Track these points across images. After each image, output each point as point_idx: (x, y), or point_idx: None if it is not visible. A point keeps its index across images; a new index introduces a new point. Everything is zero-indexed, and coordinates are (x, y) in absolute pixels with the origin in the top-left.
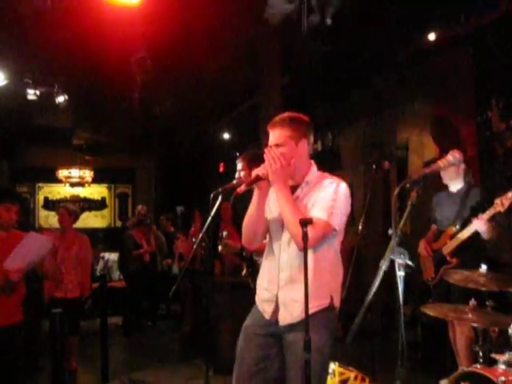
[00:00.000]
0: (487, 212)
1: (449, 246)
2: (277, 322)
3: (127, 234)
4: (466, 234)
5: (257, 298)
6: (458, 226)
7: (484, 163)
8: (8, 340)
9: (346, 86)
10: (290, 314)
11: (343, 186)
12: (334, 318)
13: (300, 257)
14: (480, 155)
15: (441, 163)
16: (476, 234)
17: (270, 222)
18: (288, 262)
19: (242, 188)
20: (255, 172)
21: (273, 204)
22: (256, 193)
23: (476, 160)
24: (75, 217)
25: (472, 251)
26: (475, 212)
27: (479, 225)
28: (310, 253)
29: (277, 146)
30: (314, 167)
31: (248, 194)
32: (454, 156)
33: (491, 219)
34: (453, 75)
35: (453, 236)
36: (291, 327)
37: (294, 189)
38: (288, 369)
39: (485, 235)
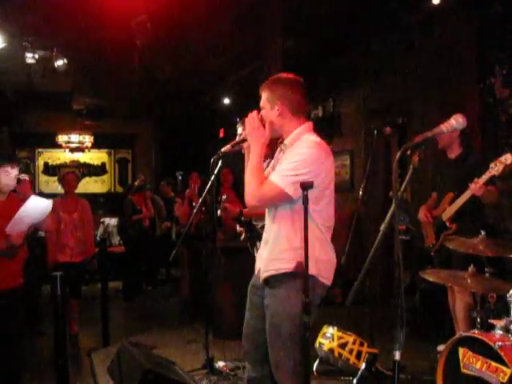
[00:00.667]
0: (483, 176)
1: (448, 212)
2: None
3: (126, 200)
4: (463, 199)
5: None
6: (456, 192)
7: (486, 130)
8: (10, 303)
9: (348, 52)
10: (262, 272)
11: (313, 149)
12: (302, 284)
13: (271, 219)
14: (482, 122)
15: (444, 127)
16: (475, 200)
17: None
18: (267, 222)
19: (227, 148)
20: (242, 134)
21: (274, 163)
22: (245, 156)
23: (478, 127)
24: (77, 182)
25: (471, 217)
26: (473, 177)
27: (475, 189)
28: (277, 216)
29: (261, 108)
30: (299, 129)
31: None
32: (457, 120)
33: (488, 183)
34: (456, 40)
35: (452, 202)
36: (267, 292)
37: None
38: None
39: (483, 200)
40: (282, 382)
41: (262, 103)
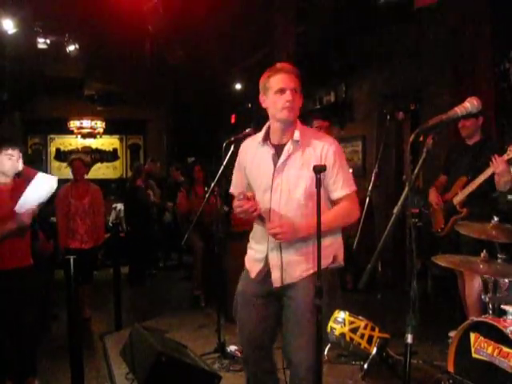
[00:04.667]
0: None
1: (460, 196)
2: (264, 281)
3: (136, 187)
4: (478, 180)
5: (246, 258)
6: (469, 177)
7: (500, 115)
8: (21, 282)
9: (360, 36)
10: (289, 275)
11: (337, 146)
12: (335, 273)
13: (295, 218)
14: (496, 107)
15: (458, 110)
16: (487, 185)
17: (256, 185)
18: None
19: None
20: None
21: (255, 168)
22: None
23: (492, 112)
24: (88, 168)
25: (482, 202)
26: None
27: (496, 164)
28: (311, 216)
29: (295, 91)
30: (300, 124)
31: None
32: (471, 103)
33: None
34: (470, 25)
35: (464, 186)
36: (289, 286)
37: (281, 148)
38: (287, 321)
39: (499, 178)
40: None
41: (298, 87)
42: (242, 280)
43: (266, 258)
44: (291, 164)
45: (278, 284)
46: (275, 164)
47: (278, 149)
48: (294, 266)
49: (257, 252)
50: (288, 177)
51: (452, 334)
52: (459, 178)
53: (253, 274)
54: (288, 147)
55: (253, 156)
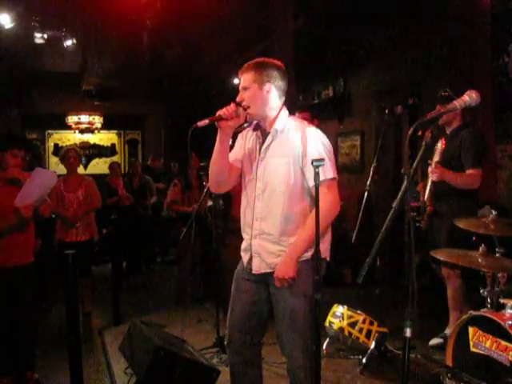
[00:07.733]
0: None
1: (426, 193)
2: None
3: (103, 183)
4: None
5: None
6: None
7: (499, 109)
8: (21, 279)
9: (359, 31)
10: (266, 264)
11: (316, 132)
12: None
13: (275, 207)
14: (495, 101)
15: (457, 103)
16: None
17: (245, 170)
18: (262, 212)
19: (203, 123)
20: (218, 112)
21: (248, 152)
22: (218, 134)
23: (491, 106)
24: (80, 161)
25: (448, 199)
26: (459, 152)
27: (433, 171)
28: (289, 206)
29: (244, 89)
30: (284, 113)
31: None
32: (470, 96)
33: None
34: (469, 18)
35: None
36: (268, 276)
37: (265, 136)
38: (275, 315)
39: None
40: (297, 361)
41: (245, 83)
42: (239, 265)
43: (251, 245)
44: (271, 152)
45: (256, 271)
46: (260, 152)
47: (265, 137)
48: (268, 256)
49: (244, 240)
50: (269, 165)
51: (433, 342)
52: None
53: (244, 262)
54: (269, 136)
55: (249, 139)
